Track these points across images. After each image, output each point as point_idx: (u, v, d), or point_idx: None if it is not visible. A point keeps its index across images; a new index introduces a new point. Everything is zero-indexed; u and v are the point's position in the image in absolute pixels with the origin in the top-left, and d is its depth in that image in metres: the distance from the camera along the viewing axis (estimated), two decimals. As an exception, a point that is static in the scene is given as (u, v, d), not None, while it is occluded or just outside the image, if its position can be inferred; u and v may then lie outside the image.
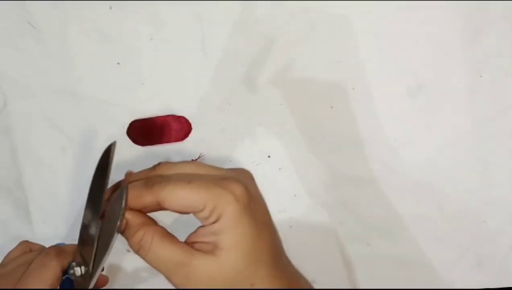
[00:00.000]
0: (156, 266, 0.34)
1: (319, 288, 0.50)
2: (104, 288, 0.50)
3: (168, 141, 0.49)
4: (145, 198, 0.33)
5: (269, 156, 0.50)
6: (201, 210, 0.33)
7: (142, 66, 0.49)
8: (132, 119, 0.49)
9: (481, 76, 0.48)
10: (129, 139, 0.49)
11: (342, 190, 0.49)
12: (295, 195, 0.50)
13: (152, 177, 0.34)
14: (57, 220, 0.51)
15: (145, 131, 0.49)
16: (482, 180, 0.49)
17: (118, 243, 0.52)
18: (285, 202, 0.50)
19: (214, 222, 0.33)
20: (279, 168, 0.49)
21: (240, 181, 0.34)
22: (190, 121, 0.49)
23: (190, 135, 0.49)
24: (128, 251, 0.50)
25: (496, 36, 0.48)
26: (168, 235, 0.35)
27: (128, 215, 0.34)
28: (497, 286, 0.49)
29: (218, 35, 0.49)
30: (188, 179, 0.33)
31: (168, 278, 0.34)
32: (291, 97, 0.49)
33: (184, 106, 0.49)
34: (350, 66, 0.48)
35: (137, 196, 0.33)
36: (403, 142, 0.49)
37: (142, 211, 0.34)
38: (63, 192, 0.50)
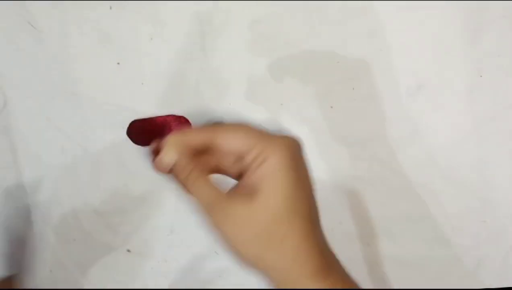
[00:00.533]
0: (198, 197, 0.35)
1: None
2: (103, 288, 0.50)
3: None
4: (200, 133, 0.35)
5: (269, 156, 0.50)
6: (248, 152, 0.35)
7: (142, 66, 0.49)
8: (132, 119, 0.49)
9: (481, 76, 0.48)
10: (129, 139, 0.49)
11: (342, 189, 0.49)
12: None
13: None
14: (56, 220, 0.51)
15: (145, 131, 0.49)
16: (482, 180, 0.49)
17: (119, 243, 0.52)
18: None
19: (260, 165, 0.34)
20: (279, 168, 0.49)
21: (290, 141, 0.35)
22: (190, 121, 0.49)
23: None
24: (128, 251, 0.50)
25: (496, 36, 0.48)
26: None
27: (182, 153, 0.35)
28: (497, 286, 0.49)
29: (218, 35, 0.49)
30: (241, 124, 0.36)
31: (206, 213, 0.35)
32: (291, 97, 0.49)
33: (184, 106, 0.49)
34: (350, 66, 0.48)
35: (193, 132, 0.36)
36: (403, 142, 0.49)
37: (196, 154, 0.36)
38: (63, 192, 0.50)
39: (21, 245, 0.51)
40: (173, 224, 0.50)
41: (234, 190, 0.36)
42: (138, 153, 0.50)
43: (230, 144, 0.35)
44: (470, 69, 0.48)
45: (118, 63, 0.50)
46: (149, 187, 0.50)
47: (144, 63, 0.49)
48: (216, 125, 0.37)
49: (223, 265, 0.50)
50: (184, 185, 0.36)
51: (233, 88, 0.49)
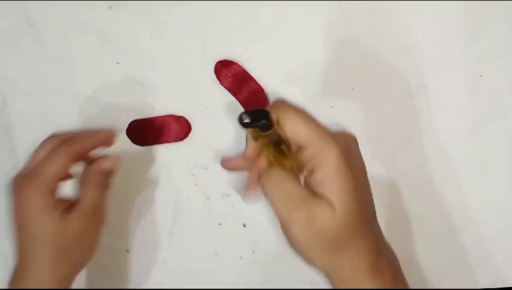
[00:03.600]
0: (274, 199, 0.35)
1: (319, 288, 0.50)
2: (103, 288, 0.50)
3: (167, 141, 0.49)
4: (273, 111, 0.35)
5: (269, 156, 0.50)
6: (306, 147, 0.35)
7: (142, 66, 0.49)
8: (132, 119, 0.49)
9: (481, 76, 0.48)
10: (128, 139, 0.49)
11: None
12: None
13: (277, 101, 0.37)
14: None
15: (144, 131, 0.49)
16: (482, 180, 0.49)
17: (118, 243, 0.52)
18: (285, 202, 0.50)
19: (313, 169, 0.35)
20: (279, 168, 0.49)
21: (345, 140, 0.36)
22: (190, 120, 0.49)
23: (190, 134, 0.49)
24: (128, 251, 0.50)
25: (496, 36, 0.48)
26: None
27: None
28: (497, 286, 0.49)
29: (218, 35, 0.49)
30: (307, 115, 0.36)
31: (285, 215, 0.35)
32: (291, 97, 0.49)
33: (184, 106, 0.49)
34: (350, 66, 0.48)
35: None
36: (403, 142, 0.49)
37: None
38: (63, 192, 0.50)
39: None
40: (172, 224, 0.50)
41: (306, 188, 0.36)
42: (138, 153, 0.49)
43: (289, 129, 0.35)
44: (470, 69, 0.48)
45: (118, 63, 0.50)
46: (149, 187, 0.50)
47: (144, 63, 0.49)
48: (281, 104, 0.36)
49: (223, 265, 0.50)
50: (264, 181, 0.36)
51: (233, 88, 0.49)
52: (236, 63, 0.48)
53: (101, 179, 0.43)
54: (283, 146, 0.37)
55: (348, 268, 0.35)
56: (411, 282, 0.49)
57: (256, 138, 0.37)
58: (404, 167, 0.49)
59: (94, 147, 0.43)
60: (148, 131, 0.49)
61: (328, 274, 0.36)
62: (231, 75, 0.48)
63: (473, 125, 0.48)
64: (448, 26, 0.48)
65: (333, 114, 0.49)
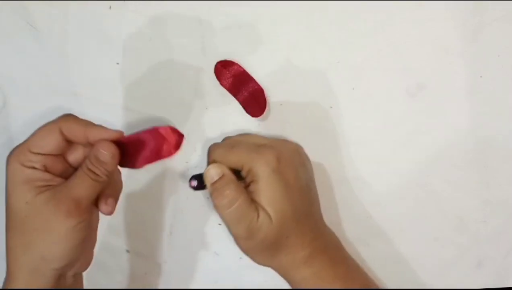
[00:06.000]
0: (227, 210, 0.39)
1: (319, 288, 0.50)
2: (103, 288, 0.50)
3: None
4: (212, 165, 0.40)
5: (269, 156, 0.50)
6: (240, 170, 0.40)
7: (142, 66, 0.49)
8: (132, 119, 0.49)
9: (481, 76, 0.48)
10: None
11: (342, 190, 0.49)
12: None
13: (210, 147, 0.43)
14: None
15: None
16: (482, 180, 0.49)
17: (118, 243, 0.52)
18: (285, 202, 0.50)
19: (251, 182, 0.39)
20: (279, 168, 0.49)
21: (274, 149, 0.40)
22: (190, 120, 0.49)
23: (190, 134, 0.49)
24: (128, 251, 0.50)
25: (496, 36, 0.48)
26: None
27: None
28: (497, 286, 0.49)
29: (218, 35, 0.49)
30: (232, 145, 0.41)
31: (236, 230, 0.40)
32: (291, 97, 0.49)
33: (184, 106, 0.49)
34: (350, 66, 0.48)
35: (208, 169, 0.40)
36: (403, 142, 0.49)
37: None
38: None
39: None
40: (172, 224, 0.50)
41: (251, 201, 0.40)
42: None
43: (227, 162, 0.40)
44: (470, 69, 0.48)
45: (118, 63, 0.50)
46: (148, 187, 0.50)
47: (144, 63, 0.49)
48: (211, 149, 0.42)
49: (223, 265, 0.50)
50: (218, 198, 0.39)
51: (233, 88, 0.49)
52: (236, 64, 0.48)
53: (95, 168, 0.37)
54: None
55: (286, 264, 0.41)
56: (412, 282, 0.49)
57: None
58: (404, 167, 0.49)
59: (92, 136, 0.38)
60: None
61: (273, 269, 0.42)
62: (231, 75, 0.48)
63: (473, 125, 0.48)
64: (448, 26, 0.48)
65: (333, 114, 0.49)
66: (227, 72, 0.48)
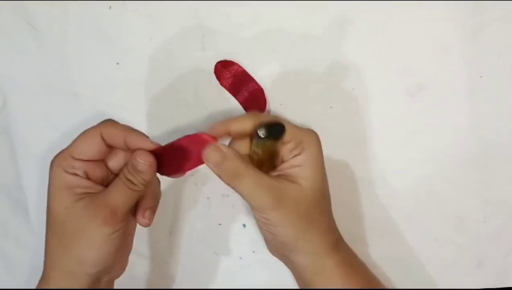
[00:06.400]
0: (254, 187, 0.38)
1: (319, 288, 0.50)
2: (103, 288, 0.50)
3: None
4: (247, 122, 0.39)
5: (269, 156, 0.50)
6: (288, 142, 0.40)
7: (142, 66, 0.49)
8: (132, 119, 0.49)
9: (481, 76, 0.48)
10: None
11: (342, 189, 0.49)
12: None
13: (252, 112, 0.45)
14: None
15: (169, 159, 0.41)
16: (482, 180, 0.49)
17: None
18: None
19: (296, 155, 0.39)
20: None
21: (316, 136, 0.41)
22: (190, 120, 0.49)
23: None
24: (128, 251, 0.50)
25: (496, 36, 0.48)
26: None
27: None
28: (497, 286, 0.49)
29: (218, 35, 0.49)
30: (279, 117, 0.43)
31: (260, 200, 0.38)
32: (291, 97, 0.49)
33: (184, 106, 0.49)
34: (350, 66, 0.48)
35: (240, 121, 0.40)
36: (403, 142, 0.49)
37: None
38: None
39: (20, 246, 0.51)
40: (172, 225, 0.50)
41: (278, 175, 0.40)
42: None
43: (289, 128, 0.39)
44: (470, 69, 0.48)
45: (118, 63, 0.50)
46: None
47: (143, 63, 0.49)
48: (261, 115, 0.43)
49: (222, 265, 0.50)
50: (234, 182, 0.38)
51: (233, 88, 0.49)
52: (236, 64, 0.48)
53: (132, 177, 0.38)
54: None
55: (319, 245, 0.40)
56: (412, 282, 0.50)
57: (257, 146, 0.40)
58: (404, 167, 0.49)
59: (131, 143, 0.38)
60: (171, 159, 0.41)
61: (295, 250, 0.40)
62: (231, 75, 0.48)
63: (473, 125, 0.48)
64: (448, 26, 0.48)
65: (333, 114, 0.49)
66: (227, 72, 0.48)
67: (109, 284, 0.42)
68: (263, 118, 0.40)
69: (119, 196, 0.38)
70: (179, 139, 0.39)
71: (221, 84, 0.49)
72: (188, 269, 0.50)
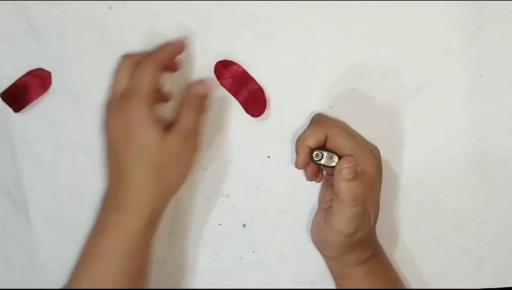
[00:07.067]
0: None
1: (319, 288, 0.50)
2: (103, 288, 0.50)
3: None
4: (318, 133, 0.43)
5: (269, 157, 0.50)
6: (344, 156, 0.42)
7: (142, 66, 0.49)
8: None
9: (481, 76, 0.48)
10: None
11: (342, 190, 0.49)
12: (293, 196, 0.50)
13: (321, 117, 0.47)
14: (56, 220, 0.51)
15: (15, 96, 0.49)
16: (482, 180, 0.49)
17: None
18: (285, 203, 0.50)
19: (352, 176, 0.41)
20: (279, 169, 0.49)
21: (377, 152, 0.45)
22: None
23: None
24: (128, 251, 0.50)
25: (496, 36, 0.48)
26: None
27: None
28: (497, 286, 0.49)
29: (218, 35, 0.49)
30: (350, 132, 0.44)
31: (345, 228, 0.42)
32: (291, 97, 0.49)
33: (184, 106, 0.49)
34: (350, 66, 0.48)
35: (312, 132, 0.43)
36: (403, 142, 0.49)
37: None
38: (63, 192, 0.50)
39: (20, 246, 0.51)
40: (172, 225, 0.50)
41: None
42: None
43: (335, 146, 0.43)
44: (470, 69, 0.48)
45: (118, 63, 0.50)
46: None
47: (144, 63, 0.49)
48: (327, 124, 0.44)
49: (223, 265, 0.50)
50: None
51: (233, 88, 0.49)
52: (236, 64, 0.48)
53: (197, 102, 0.44)
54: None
55: (353, 260, 0.44)
56: (412, 282, 0.49)
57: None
58: (404, 167, 0.49)
59: (173, 56, 0.46)
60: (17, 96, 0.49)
61: (332, 264, 0.46)
62: (231, 75, 0.48)
63: (473, 125, 0.48)
64: (448, 26, 0.48)
65: (333, 114, 0.49)
66: (227, 72, 0.48)
67: None
68: (310, 134, 0.43)
69: (195, 123, 0.43)
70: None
71: (221, 84, 0.49)
72: (188, 269, 0.50)
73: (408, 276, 0.49)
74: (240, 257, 0.50)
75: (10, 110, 0.49)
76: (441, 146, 0.49)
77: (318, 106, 0.49)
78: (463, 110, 0.48)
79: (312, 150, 0.43)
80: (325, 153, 0.42)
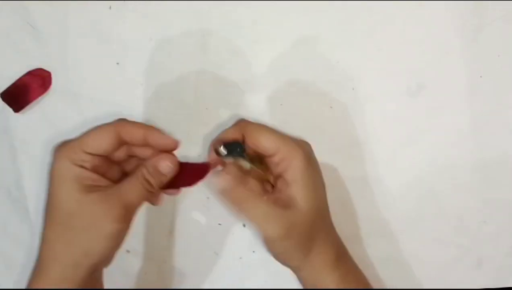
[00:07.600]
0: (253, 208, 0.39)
1: (319, 288, 0.50)
2: (104, 288, 0.50)
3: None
4: (232, 132, 0.40)
5: (269, 156, 0.50)
6: (273, 155, 0.39)
7: (142, 66, 0.49)
8: (132, 119, 0.49)
9: (481, 76, 0.48)
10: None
11: (342, 190, 0.49)
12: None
13: (242, 120, 0.42)
14: (57, 220, 0.51)
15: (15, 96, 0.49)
16: (482, 180, 0.49)
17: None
18: (285, 202, 0.50)
19: (281, 173, 0.39)
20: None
21: (305, 145, 0.41)
22: (190, 120, 0.49)
23: (190, 134, 0.49)
24: (128, 251, 0.50)
25: (496, 36, 0.48)
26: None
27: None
28: (497, 286, 0.49)
29: (218, 35, 0.49)
30: (269, 127, 0.40)
31: (270, 231, 0.38)
32: (291, 97, 0.49)
33: (184, 106, 0.49)
34: (350, 66, 0.48)
35: (225, 132, 0.41)
36: (403, 142, 0.49)
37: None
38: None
39: (20, 246, 0.51)
40: (172, 225, 0.50)
41: (273, 197, 0.40)
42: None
43: (256, 143, 0.40)
44: (470, 69, 0.48)
45: (118, 63, 0.50)
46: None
47: (144, 63, 0.49)
48: (244, 123, 0.41)
49: (223, 265, 0.50)
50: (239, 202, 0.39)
51: (233, 88, 0.49)
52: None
53: (151, 178, 0.39)
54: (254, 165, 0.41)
55: (318, 265, 0.40)
56: (412, 282, 0.50)
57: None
58: (404, 167, 0.49)
59: (145, 141, 0.39)
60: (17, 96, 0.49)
61: (302, 276, 0.41)
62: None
63: (473, 125, 0.48)
64: (448, 26, 0.48)
65: (333, 114, 0.49)
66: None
67: (101, 272, 0.42)
68: (225, 134, 0.41)
69: (135, 195, 0.38)
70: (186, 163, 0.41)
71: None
72: (188, 269, 0.50)
73: (408, 276, 0.49)
74: (240, 257, 0.50)
75: (10, 110, 0.49)
76: (441, 146, 0.49)
77: (318, 106, 0.49)
78: (463, 110, 0.48)
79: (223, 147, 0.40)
80: (232, 150, 0.40)
